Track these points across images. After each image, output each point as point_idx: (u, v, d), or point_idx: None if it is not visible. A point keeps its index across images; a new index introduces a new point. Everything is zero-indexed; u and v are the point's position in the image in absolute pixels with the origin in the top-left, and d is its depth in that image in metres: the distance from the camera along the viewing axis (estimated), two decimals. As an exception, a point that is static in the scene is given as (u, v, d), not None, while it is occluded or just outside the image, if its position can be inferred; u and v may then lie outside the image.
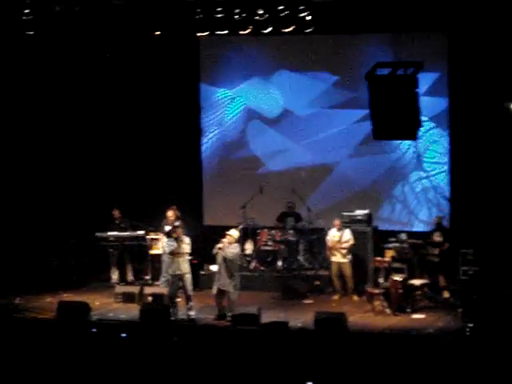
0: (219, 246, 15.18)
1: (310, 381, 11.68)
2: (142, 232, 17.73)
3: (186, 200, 18.60)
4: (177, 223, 16.24)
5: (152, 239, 17.61)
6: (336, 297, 16.94)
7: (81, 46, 18.13)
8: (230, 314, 15.06)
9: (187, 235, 15.62)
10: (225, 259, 15.10)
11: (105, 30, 16.41)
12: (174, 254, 15.42)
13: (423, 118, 14.17)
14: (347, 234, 16.91)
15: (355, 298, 16.80)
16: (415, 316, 15.46)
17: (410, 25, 15.48)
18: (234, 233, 15.38)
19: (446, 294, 16.49)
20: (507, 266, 15.78)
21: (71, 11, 15.59)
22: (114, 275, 18.00)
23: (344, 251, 16.84)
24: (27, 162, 18.77)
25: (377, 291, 15.84)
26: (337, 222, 17.03)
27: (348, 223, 17.25)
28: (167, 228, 16.85)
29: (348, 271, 16.86)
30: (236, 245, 15.38)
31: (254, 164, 19.44)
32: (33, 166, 18.83)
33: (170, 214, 17.06)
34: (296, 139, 19.12)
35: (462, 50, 17.25)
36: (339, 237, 16.88)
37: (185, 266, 15.43)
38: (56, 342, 13.23)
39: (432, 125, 18.13)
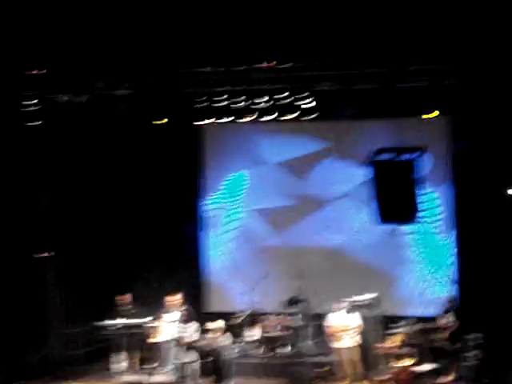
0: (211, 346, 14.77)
1: None
2: (148, 319, 17.53)
3: (184, 286, 18.22)
4: (183, 308, 16.03)
5: (153, 327, 17.41)
6: (346, 382, 16.69)
7: (85, 137, 18.18)
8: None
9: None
10: (221, 351, 14.72)
11: (108, 120, 16.57)
12: (182, 342, 15.17)
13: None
14: (357, 317, 16.72)
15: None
16: (425, 402, 15.26)
17: (413, 110, 15.59)
18: (220, 324, 15.00)
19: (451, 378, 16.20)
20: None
21: (75, 102, 15.78)
22: (120, 363, 17.78)
23: (354, 335, 16.64)
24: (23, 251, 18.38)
25: (386, 378, 15.61)
26: (343, 305, 16.82)
27: (355, 307, 17.05)
28: (166, 315, 16.64)
29: (357, 356, 16.60)
30: (225, 334, 14.96)
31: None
32: (31, 253, 18.44)
33: (178, 297, 16.91)
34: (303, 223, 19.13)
35: (466, 133, 17.30)
36: (348, 320, 16.71)
37: (192, 354, 15.19)
38: None
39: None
